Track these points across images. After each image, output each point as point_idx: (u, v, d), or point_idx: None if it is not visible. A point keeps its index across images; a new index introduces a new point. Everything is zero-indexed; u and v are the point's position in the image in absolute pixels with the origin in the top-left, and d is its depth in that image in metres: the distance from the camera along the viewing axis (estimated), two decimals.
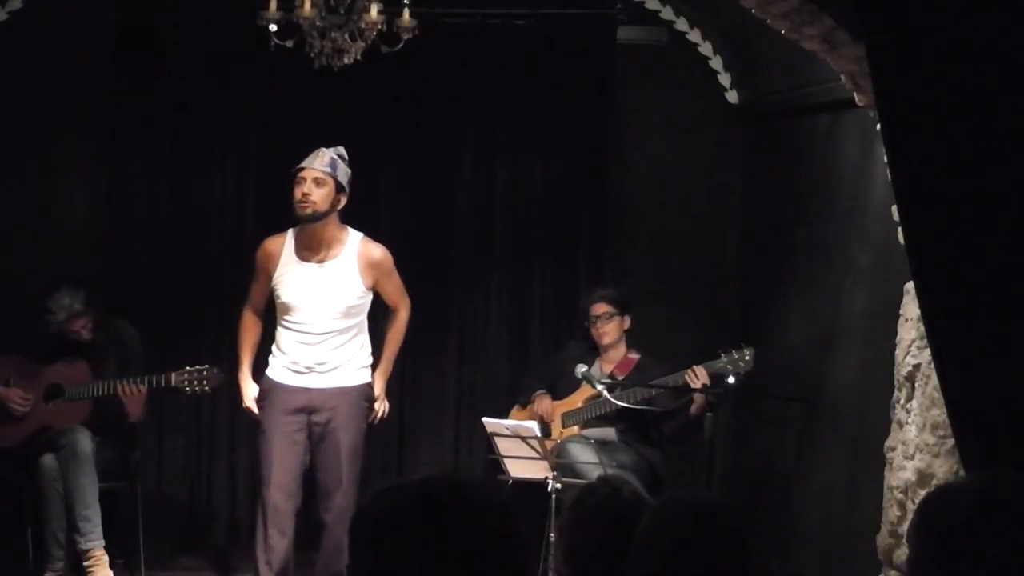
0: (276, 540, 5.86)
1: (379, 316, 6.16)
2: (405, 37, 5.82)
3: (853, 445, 5.70)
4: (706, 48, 7.21)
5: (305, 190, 5.78)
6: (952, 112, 2.93)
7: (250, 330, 6.13)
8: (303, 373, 5.92)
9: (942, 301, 3.08)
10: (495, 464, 5.81)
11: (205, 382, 6.16)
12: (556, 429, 6.37)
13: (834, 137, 6.13)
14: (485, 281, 7.28)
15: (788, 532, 6.28)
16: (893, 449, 4.96)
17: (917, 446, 4.75)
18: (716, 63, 7.23)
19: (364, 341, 6.02)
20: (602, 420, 6.36)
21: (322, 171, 5.81)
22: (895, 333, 5.01)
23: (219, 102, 7.10)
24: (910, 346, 4.88)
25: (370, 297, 5.99)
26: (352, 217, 5.99)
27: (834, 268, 6.04)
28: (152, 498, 6.90)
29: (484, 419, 5.95)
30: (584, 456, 5.94)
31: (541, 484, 5.53)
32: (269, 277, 5.97)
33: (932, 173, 3.00)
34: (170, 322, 7.08)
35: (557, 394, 6.51)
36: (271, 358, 6.01)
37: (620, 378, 6.38)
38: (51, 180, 7.13)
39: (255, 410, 5.99)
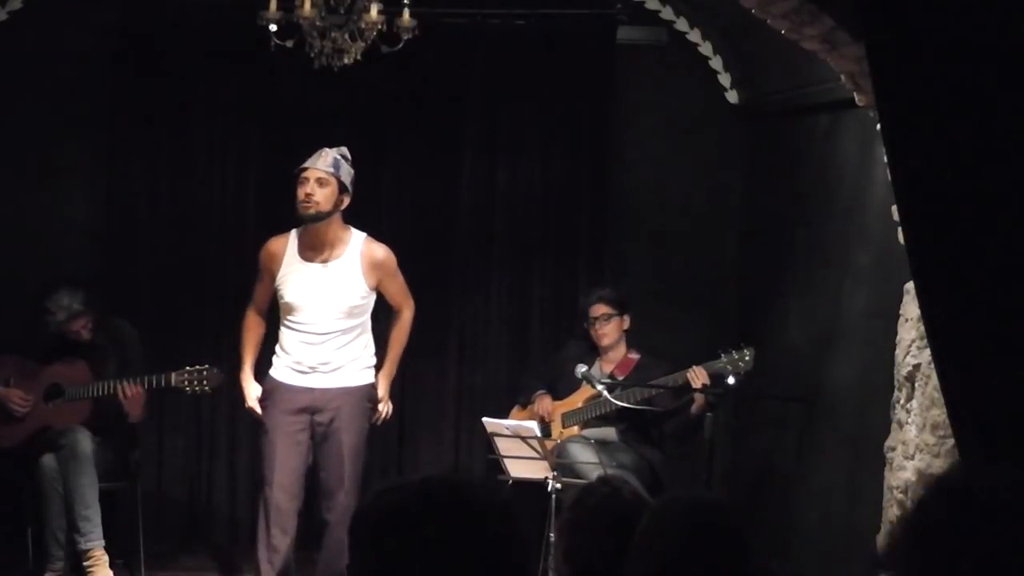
0: (279, 540, 5.86)
1: (383, 317, 6.16)
2: (405, 37, 5.82)
3: (853, 445, 5.70)
4: (706, 48, 7.21)
5: (308, 190, 5.78)
6: (952, 112, 2.93)
7: (253, 330, 6.13)
8: (306, 373, 5.92)
9: (942, 301, 3.08)
10: (495, 464, 5.82)
11: (205, 382, 6.16)
12: (556, 429, 6.37)
13: (834, 137, 6.13)
14: (485, 281, 7.29)
15: (788, 532, 6.28)
16: (893, 449, 4.96)
17: (917, 446, 4.75)
18: (716, 63, 7.23)
19: (368, 341, 6.02)
20: (602, 420, 6.36)
21: (325, 171, 5.81)
22: (895, 333, 5.01)
23: (219, 102, 7.10)
24: (910, 346, 4.88)
25: (373, 297, 5.99)
26: (352, 217, 5.99)
27: (834, 268, 6.04)
28: (152, 498, 6.90)
29: (484, 419, 5.95)
30: (584, 456, 5.94)
31: (541, 484, 5.53)
32: (272, 277, 5.97)
33: (932, 173, 3.00)
34: (170, 322, 7.09)
35: (557, 394, 6.51)
36: (274, 358, 6.01)
37: (620, 378, 6.38)
38: (51, 180, 7.13)
39: (258, 410, 5.99)
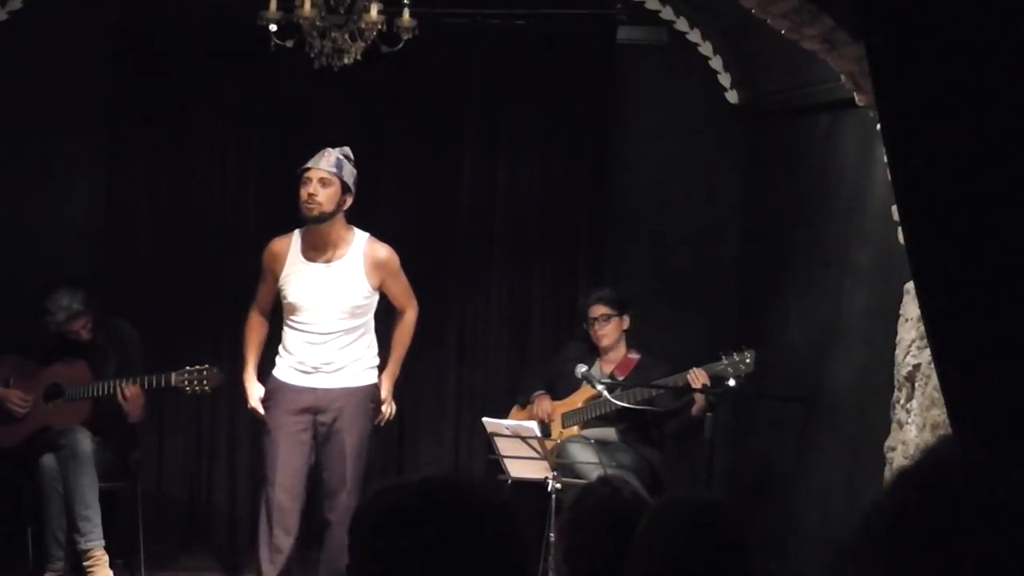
0: (281, 540, 5.87)
1: (386, 318, 6.16)
2: (405, 37, 5.82)
3: (853, 445, 5.70)
4: (706, 48, 7.21)
5: (311, 190, 5.78)
6: (952, 112, 2.93)
7: (256, 330, 6.13)
8: (309, 373, 5.93)
9: (942, 301, 3.08)
10: (495, 464, 5.82)
11: (205, 382, 6.16)
12: (556, 429, 6.37)
13: (834, 137, 6.13)
14: (485, 281, 7.29)
15: (788, 532, 6.28)
16: (893, 449, 4.96)
17: (917, 446, 4.75)
18: (716, 63, 7.23)
19: (371, 341, 6.03)
20: (602, 420, 6.36)
21: (328, 171, 5.81)
22: (895, 333, 5.01)
23: (219, 102, 7.10)
24: (910, 346, 4.88)
25: (376, 297, 5.99)
26: (352, 217, 5.99)
27: (834, 268, 6.04)
28: (152, 498, 6.90)
29: (484, 419, 5.96)
30: (584, 456, 5.94)
31: (541, 484, 5.53)
32: (276, 277, 5.98)
33: (932, 173, 2.99)
34: (170, 322, 7.09)
35: (557, 394, 6.52)
36: (277, 358, 6.02)
37: (620, 378, 6.38)
38: (51, 180, 7.13)
39: (261, 410, 5.99)
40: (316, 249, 5.91)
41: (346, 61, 5.73)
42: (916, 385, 4.81)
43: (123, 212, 7.13)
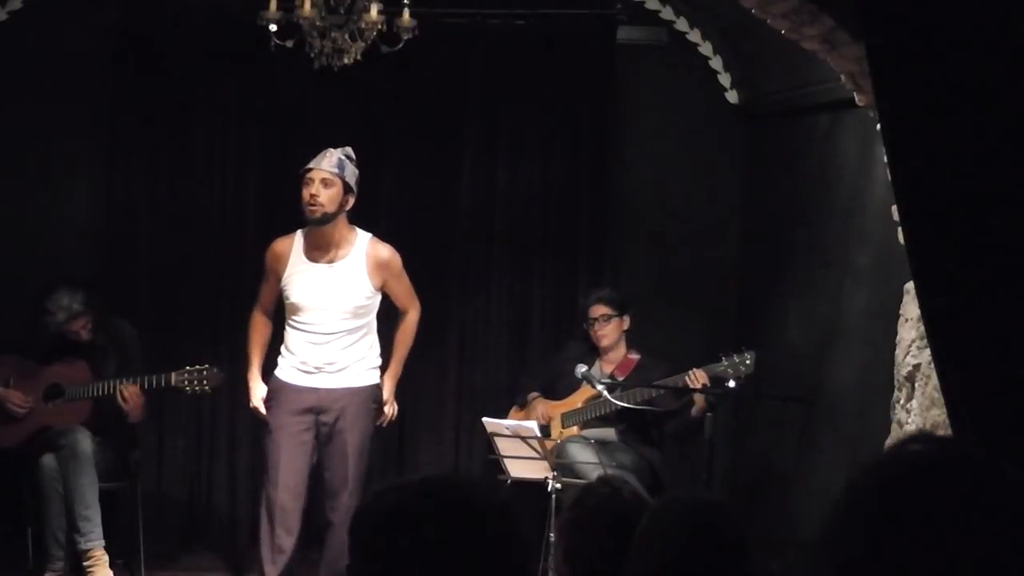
0: (283, 540, 5.87)
1: (388, 318, 6.17)
2: (405, 37, 5.82)
3: (853, 445, 5.70)
4: (706, 48, 7.21)
5: (313, 191, 5.78)
6: (952, 112, 2.93)
7: (260, 331, 6.14)
8: (312, 373, 5.93)
9: (942, 301, 3.08)
10: (495, 464, 5.81)
11: (205, 382, 6.16)
12: (556, 429, 6.37)
13: (834, 137, 6.13)
14: (485, 281, 7.28)
15: (788, 532, 6.28)
16: None
17: None
18: (716, 63, 7.23)
19: (373, 342, 6.03)
20: (602, 420, 6.36)
21: (330, 172, 5.81)
22: (895, 333, 5.01)
23: (219, 102, 7.10)
24: (910, 346, 4.88)
25: (379, 298, 6.00)
26: (353, 217, 5.99)
27: (834, 268, 6.04)
28: (152, 498, 6.90)
29: (484, 419, 5.96)
30: (584, 456, 5.94)
31: (541, 484, 5.53)
32: (278, 278, 5.98)
33: (932, 173, 3.00)
34: (170, 322, 7.09)
35: (557, 394, 6.52)
36: (280, 358, 6.02)
37: (620, 379, 6.38)
38: (51, 180, 7.13)
39: (262, 410, 6.00)
40: (319, 249, 5.92)
41: (346, 61, 5.73)
42: (916, 385, 4.81)
43: (123, 212, 7.13)
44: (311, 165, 5.84)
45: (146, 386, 6.20)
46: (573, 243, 7.28)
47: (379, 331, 6.07)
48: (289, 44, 5.73)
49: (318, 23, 5.60)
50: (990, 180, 2.93)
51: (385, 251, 5.97)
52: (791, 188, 6.65)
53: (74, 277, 6.48)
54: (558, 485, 5.47)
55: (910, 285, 4.79)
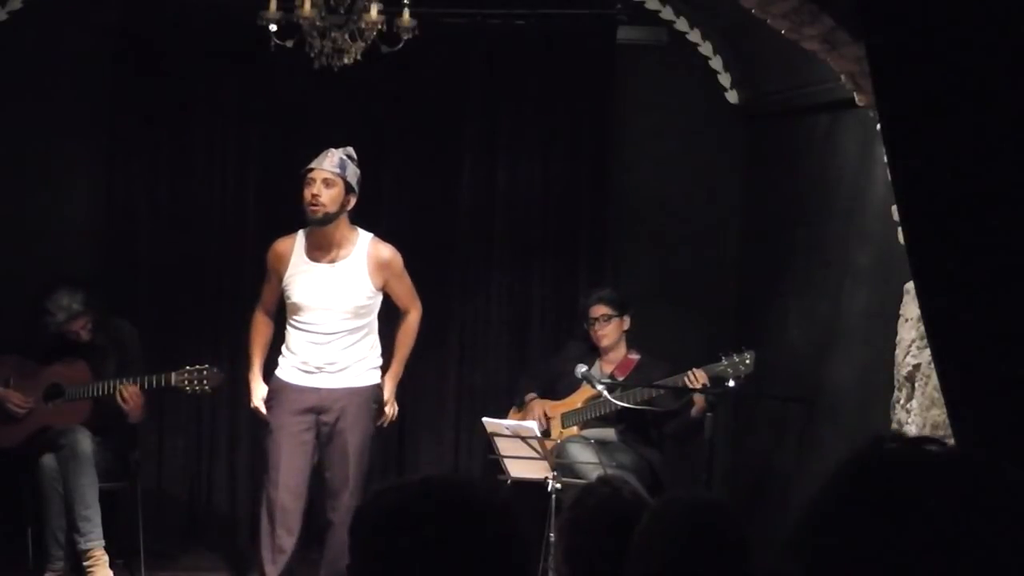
0: (284, 540, 5.88)
1: (390, 319, 6.16)
2: (405, 37, 5.82)
3: (853, 445, 5.68)
4: (706, 48, 7.21)
5: (315, 191, 5.78)
6: (952, 112, 2.93)
7: (262, 331, 6.14)
8: (313, 373, 5.93)
9: (942, 301, 3.08)
10: (495, 464, 5.81)
11: (205, 382, 6.16)
12: (556, 429, 6.37)
13: (834, 137, 6.13)
14: (485, 281, 7.29)
15: (788, 532, 6.27)
16: None
17: None
18: (716, 63, 7.23)
19: (374, 342, 6.03)
20: (602, 420, 6.36)
21: (331, 172, 5.80)
22: (895, 333, 5.01)
23: (219, 102, 7.10)
24: (910, 346, 4.88)
25: (380, 298, 6.00)
26: (353, 217, 5.99)
27: (834, 268, 6.04)
28: (152, 498, 6.89)
29: (484, 419, 5.95)
30: (584, 456, 5.94)
31: (541, 484, 5.53)
32: (280, 278, 5.98)
33: (932, 173, 2.99)
34: (170, 322, 7.09)
35: (557, 394, 6.52)
36: (280, 358, 6.02)
37: (620, 379, 6.38)
38: (51, 180, 7.13)
39: (263, 410, 6.00)
40: (320, 249, 5.92)
41: (346, 61, 5.73)
42: (916, 385, 4.81)
43: (123, 212, 7.13)
44: (313, 165, 5.84)
45: (146, 386, 6.20)
46: (573, 243, 7.28)
47: (380, 331, 6.07)
48: (289, 44, 5.73)
49: (318, 23, 5.60)
50: (990, 180, 2.92)
51: (386, 251, 5.97)
52: (791, 188, 6.65)
53: (74, 277, 6.48)
54: (558, 485, 5.47)
55: (910, 285, 4.79)
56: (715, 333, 6.88)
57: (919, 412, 4.76)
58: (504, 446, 5.73)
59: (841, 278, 5.94)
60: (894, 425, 4.97)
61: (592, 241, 7.27)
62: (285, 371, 5.99)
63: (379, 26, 5.69)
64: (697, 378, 6.04)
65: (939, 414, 4.55)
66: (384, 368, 6.10)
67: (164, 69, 6.99)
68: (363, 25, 5.65)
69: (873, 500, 1.40)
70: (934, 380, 4.50)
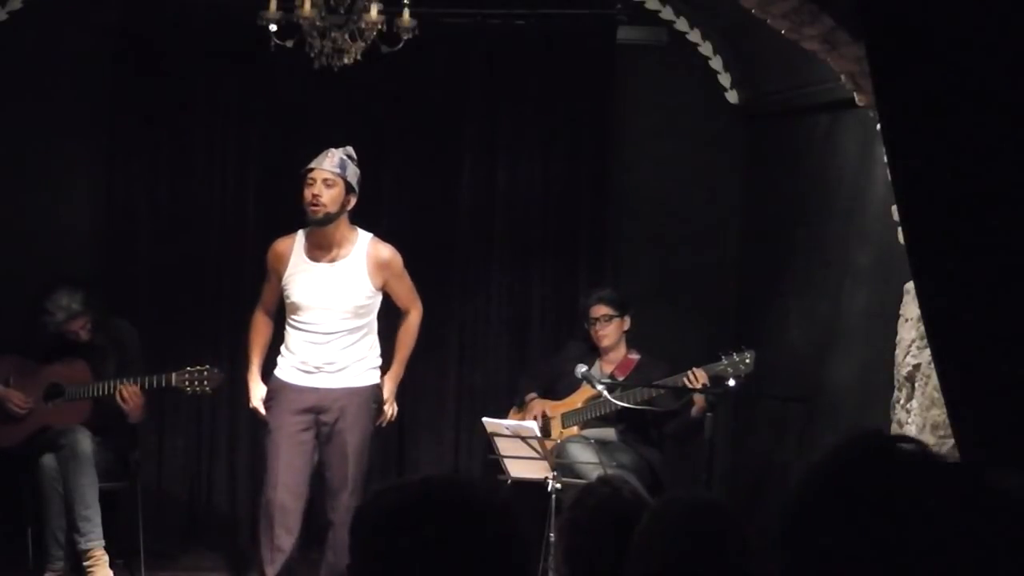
0: (283, 540, 5.87)
1: (390, 319, 6.16)
2: (405, 37, 5.83)
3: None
4: (706, 48, 7.21)
5: (315, 191, 5.78)
6: (952, 112, 2.93)
7: (261, 331, 6.14)
8: (312, 373, 5.93)
9: (942, 301, 3.08)
10: (495, 464, 5.81)
11: (205, 382, 6.16)
12: (556, 429, 6.38)
13: (834, 137, 6.13)
14: (485, 281, 7.29)
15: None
16: None
17: None
18: (716, 63, 7.23)
19: (373, 342, 6.03)
20: (602, 420, 6.36)
21: (332, 172, 5.80)
22: (895, 333, 5.01)
23: (219, 102, 7.10)
24: (910, 346, 4.88)
25: (379, 298, 6.00)
26: (353, 217, 5.99)
27: (834, 268, 6.04)
28: (152, 498, 6.89)
29: (484, 419, 5.95)
30: (584, 456, 5.94)
31: (541, 484, 5.53)
32: (280, 277, 5.98)
33: (932, 173, 2.99)
34: (170, 322, 7.09)
35: (557, 394, 6.52)
36: (280, 358, 6.02)
37: (620, 379, 6.38)
38: (51, 180, 7.13)
39: (262, 410, 6.00)
40: (320, 249, 5.92)
41: (346, 61, 5.73)
42: (916, 385, 4.81)
43: (123, 212, 7.13)
44: (313, 165, 5.84)
45: (146, 386, 6.20)
46: (573, 243, 7.28)
47: (380, 331, 6.07)
48: (289, 44, 5.73)
49: (318, 23, 5.60)
50: (990, 180, 2.92)
51: (386, 251, 5.98)
52: (791, 188, 6.65)
53: (74, 277, 6.48)
54: (558, 485, 5.47)
55: (910, 285, 4.80)
56: (715, 333, 6.88)
57: (919, 412, 4.76)
58: (504, 446, 5.73)
59: (841, 278, 5.94)
60: (894, 425, 4.98)
61: (592, 241, 7.27)
62: (284, 371, 5.99)
63: (379, 26, 5.69)
64: (697, 378, 6.04)
65: (939, 414, 4.55)
66: (384, 368, 6.10)
67: (164, 69, 6.99)
68: (363, 25, 5.65)
69: (844, 499, 1.41)
70: (934, 380, 4.50)
